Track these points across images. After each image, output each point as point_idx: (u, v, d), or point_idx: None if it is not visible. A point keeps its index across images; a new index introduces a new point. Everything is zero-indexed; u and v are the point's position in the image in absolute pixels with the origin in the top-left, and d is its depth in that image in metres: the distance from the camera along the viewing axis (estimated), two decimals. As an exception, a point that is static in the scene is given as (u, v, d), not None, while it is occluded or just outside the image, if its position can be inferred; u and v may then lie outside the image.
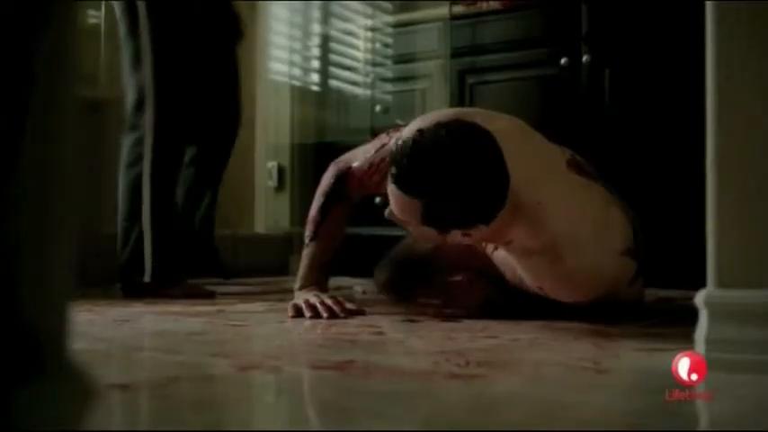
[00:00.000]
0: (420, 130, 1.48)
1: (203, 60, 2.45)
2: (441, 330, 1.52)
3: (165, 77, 2.30)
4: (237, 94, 2.68)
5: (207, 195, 2.63)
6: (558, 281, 1.53)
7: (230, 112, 2.66)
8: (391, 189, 1.50)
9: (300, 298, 1.78)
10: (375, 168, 1.79)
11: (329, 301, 1.73)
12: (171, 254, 2.31)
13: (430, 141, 1.45)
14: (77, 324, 0.59)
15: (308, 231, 1.86)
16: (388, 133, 1.84)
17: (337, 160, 1.90)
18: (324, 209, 1.85)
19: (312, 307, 1.71)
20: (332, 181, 1.86)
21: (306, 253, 1.86)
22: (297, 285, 1.85)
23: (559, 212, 1.50)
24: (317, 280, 1.84)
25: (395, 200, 1.51)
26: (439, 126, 1.48)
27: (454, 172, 1.43)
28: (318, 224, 1.84)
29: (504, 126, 1.58)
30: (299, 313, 1.71)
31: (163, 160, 2.31)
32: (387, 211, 1.56)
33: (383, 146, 1.79)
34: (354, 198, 1.89)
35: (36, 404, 0.52)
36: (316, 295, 1.77)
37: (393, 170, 1.48)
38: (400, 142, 1.49)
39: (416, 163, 1.44)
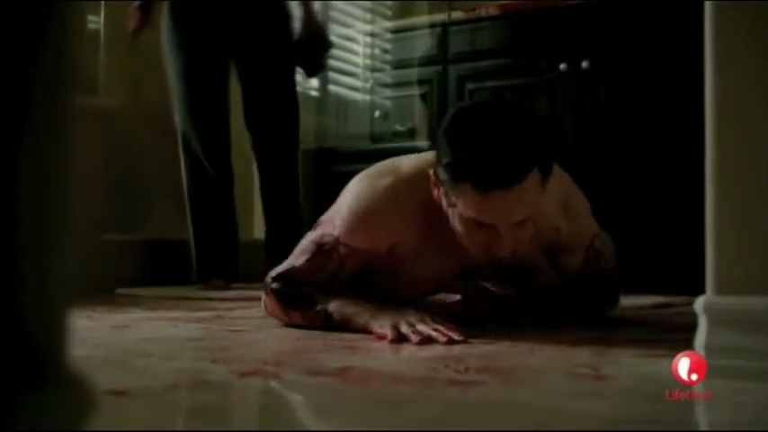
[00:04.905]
0: (462, 125, 1.39)
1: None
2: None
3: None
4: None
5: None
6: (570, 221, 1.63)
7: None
8: (471, 198, 1.37)
9: (393, 320, 1.45)
10: (316, 267, 1.59)
11: (440, 327, 1.42)
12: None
13: (485, 122, 1.38)
14: (76, 330, 0.59)
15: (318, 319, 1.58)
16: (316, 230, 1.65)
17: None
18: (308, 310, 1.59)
19: (420, 332, 1.40)
20: (280, 298, 1.62)
21: (338, 312, 1.55)
22: (370, 321, 1.50)
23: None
24: (377, 303, 1.55)
25: (476, 205, 1.38)
26: (480, 111, 1.42)
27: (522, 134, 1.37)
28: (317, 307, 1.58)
29: None
30: (401, 338, 1.41)
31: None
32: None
33: (318, 246, 1.60)
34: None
35: (36, 412, 0.52)
36: (413, 317, 1.46)
37: (471, 178, 1.35)
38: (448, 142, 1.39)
39: (493, 154, 1.34)
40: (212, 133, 2.76)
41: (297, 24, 2.79)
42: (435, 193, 1.47)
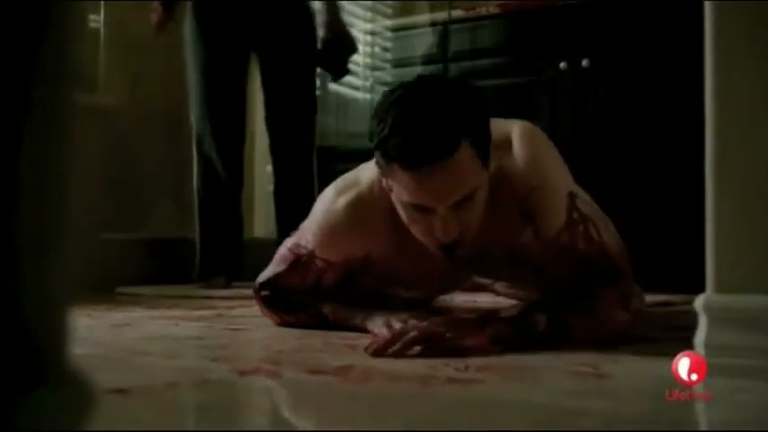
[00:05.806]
0: (391, 105, 1.33)
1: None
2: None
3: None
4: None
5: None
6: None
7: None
8: (402, 178, 1.31)
9: (386, 319, 1.45)
10: (298, 278, 1.61)
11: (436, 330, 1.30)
12: None
13: (413, 104, 1.31)
14: (76, 329, 0.59)
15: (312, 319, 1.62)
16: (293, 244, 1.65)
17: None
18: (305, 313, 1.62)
19: (424, 339, 1.27)
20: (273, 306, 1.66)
21: (333, 314, 1.59)
22: (365, 321, 1.51)
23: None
24: (370, 307, 1.55)
25: (408, 186, 1.31)
26: (407, 93, 1.34)
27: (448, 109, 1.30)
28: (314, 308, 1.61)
29: None
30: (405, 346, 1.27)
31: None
32: None
33: (296, 257, 1.61)
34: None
35: (36, 410, 0.52)
36: (407, 316, 1.44)
37: (398, 155, 1.29)
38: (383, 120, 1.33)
39: (415, 127, 1.28)
40: (227, 134, 2.74)
41: (321, 27, 2.77)
42: (384, 182, 1.41)
